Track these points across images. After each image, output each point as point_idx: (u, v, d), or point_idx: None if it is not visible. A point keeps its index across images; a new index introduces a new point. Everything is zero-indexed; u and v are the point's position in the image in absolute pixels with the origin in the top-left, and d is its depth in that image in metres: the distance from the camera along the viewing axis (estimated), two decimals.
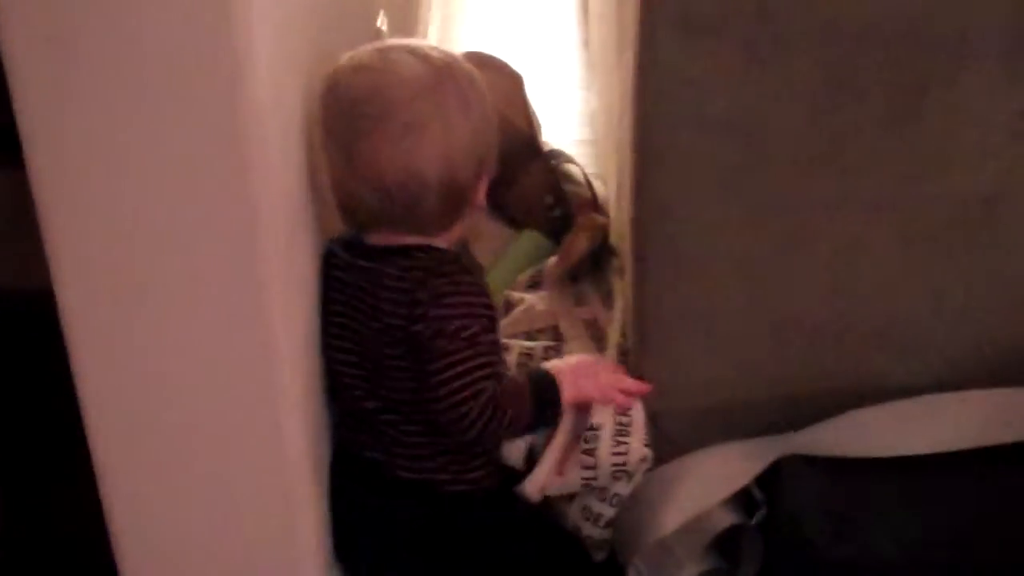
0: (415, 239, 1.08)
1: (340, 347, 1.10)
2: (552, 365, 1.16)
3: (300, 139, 1.04)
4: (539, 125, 1.73)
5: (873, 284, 1.13)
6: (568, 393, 1.13)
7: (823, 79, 1.04)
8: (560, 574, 1.19)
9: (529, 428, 1.13)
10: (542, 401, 1.12)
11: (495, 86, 1.73)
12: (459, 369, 1.04)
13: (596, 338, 1.31)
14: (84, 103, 0.86)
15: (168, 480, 1.03)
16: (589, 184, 1.61)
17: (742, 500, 1.14)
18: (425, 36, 2.15)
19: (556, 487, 1.16)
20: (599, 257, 1.45)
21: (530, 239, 1.61)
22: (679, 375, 1.18)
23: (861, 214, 1.10)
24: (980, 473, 1.11)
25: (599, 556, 1.19)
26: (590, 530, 1.19)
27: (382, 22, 1.71)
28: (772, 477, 1.12)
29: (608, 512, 1.17)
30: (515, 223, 1.65)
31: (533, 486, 1.14)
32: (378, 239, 1.09)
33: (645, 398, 1.18)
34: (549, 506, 1.19)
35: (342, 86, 1.04)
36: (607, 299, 1.37)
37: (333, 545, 1.14)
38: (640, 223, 1.14)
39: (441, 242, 1.09)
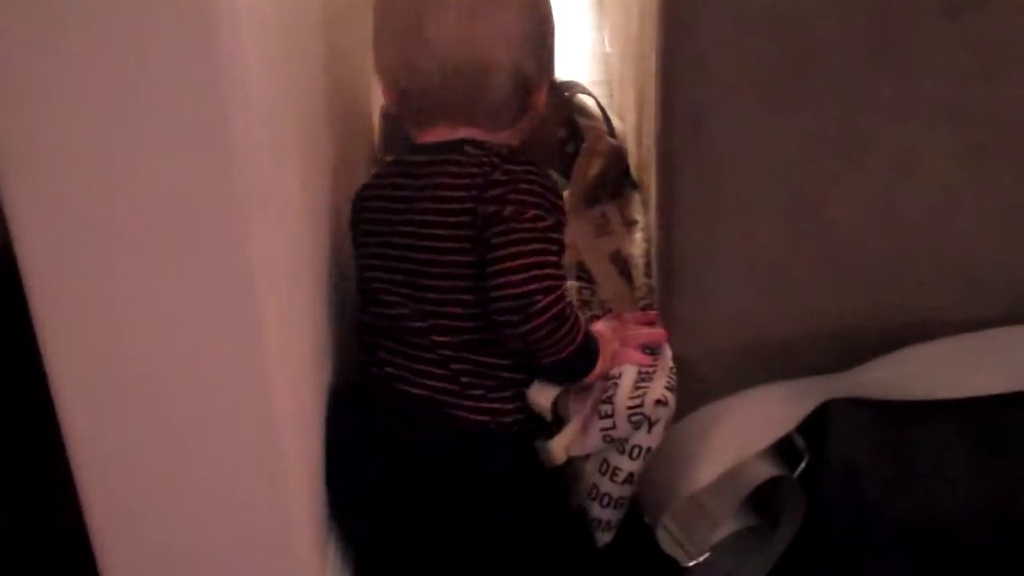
0: (479, 132, 1.04)
1: (380, 255, 1.04)
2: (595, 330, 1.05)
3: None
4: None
5: (931, 205, 1.01)
6: (602, 364, 1.02)
7: None
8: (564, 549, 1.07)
9: (567, 371, 1.02)
10: (590, 351, 1.01)
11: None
12: (535, 260, 0.96)
13: (623, 272, 1.19)
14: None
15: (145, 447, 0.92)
16: (605, 115, 1.49)
17: (783, 449, 1.01)
18: None
19: (578, 448, 1.03)
20: (619, 185, 1.33)
21: None
22: (712, 313, 1.06)
23: (918, 122, 0.97)
24: None
25: (604, 538, 1.06)
26: (607, 487, 1.06)
27: None
28: (817, 423, 0.99)
29: (626, 465, 1.04)
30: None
31: (559, 445, 1.02)
32: (437, 135, 1.06)
33: (675, 338, 1.05)
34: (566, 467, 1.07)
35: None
36: (631, 228, 1.25)
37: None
38: (669, 139, 1.01)
39: (504, 138, 1.05)
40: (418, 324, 1.00)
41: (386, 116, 1.51)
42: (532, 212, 0.97)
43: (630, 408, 1.02)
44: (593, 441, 1.04)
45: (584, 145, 1.36)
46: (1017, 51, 0.95)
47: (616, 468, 1.05)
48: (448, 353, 0.99)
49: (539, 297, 0.94)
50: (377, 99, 1.56)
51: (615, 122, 1.53)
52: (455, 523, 1.00)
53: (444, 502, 1.00)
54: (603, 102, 1.63)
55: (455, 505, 1.00)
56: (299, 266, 1.00)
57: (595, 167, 1.31)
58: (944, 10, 0.92)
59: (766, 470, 1.00)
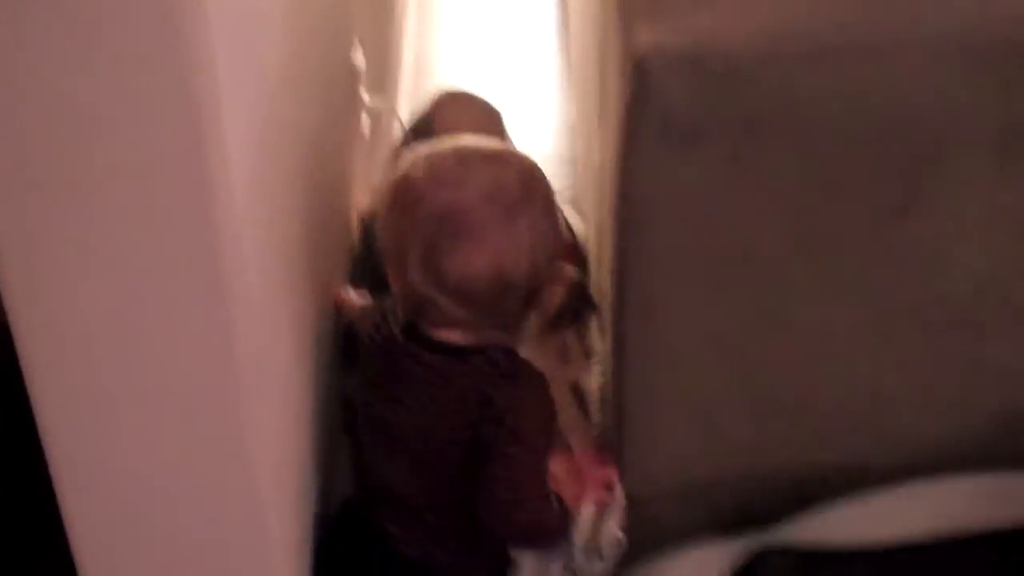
0: (485, 339, 1.08)
1: (381, 427, 1.12)
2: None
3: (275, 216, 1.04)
4: None
5: (852, 371, 1.14)
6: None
7: (806, 184, 1.03)
8: None
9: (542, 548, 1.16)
10: (559, 535, 1.14)
11: (473, 121, 1.73)
12: (523, 478, 1.06)
13: (580, 405, 1.32)
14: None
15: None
16: (569, 229, 1.61)
17: None
18: (400, 62, 2.13)
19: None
20: (579, 310, 1.45)
21: None
22: (658, 455, 1.19)
23: (840, 307, 1.10)
24: (964, 562, 1.13)
25: None
26: None
27: (357, 55, 1.70)
28: (749, 569, 1.13)
29: None
30: None
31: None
32: (447, 336, 1.08)
33: (626, 479, 1.18)
34: None
35: (425, 201, 1.03)
36: (589, 359, 1.37)
37: None
38: (621, 313, 1.14)
39: (509, 342, 1.10)
40: (418, 502, 1.11)
41: (365, 220, 1.61)
42: (527, 434, 1.06)
43: (588, 547, 1.16)
44: (554, 570, 1.18)
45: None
46: (935, 253, 1.07)
47: None
48: (443, 530, 1.12)
49: (521, 514, 1.07)
50: (354, 201, 1.67)
51: (577, 229, 1.65)
52: None
53: None
54: (568, 181, 1.73)
55: None
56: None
57: (558, 295, 1.43)
58: (869, 222, 1.05)
59: None
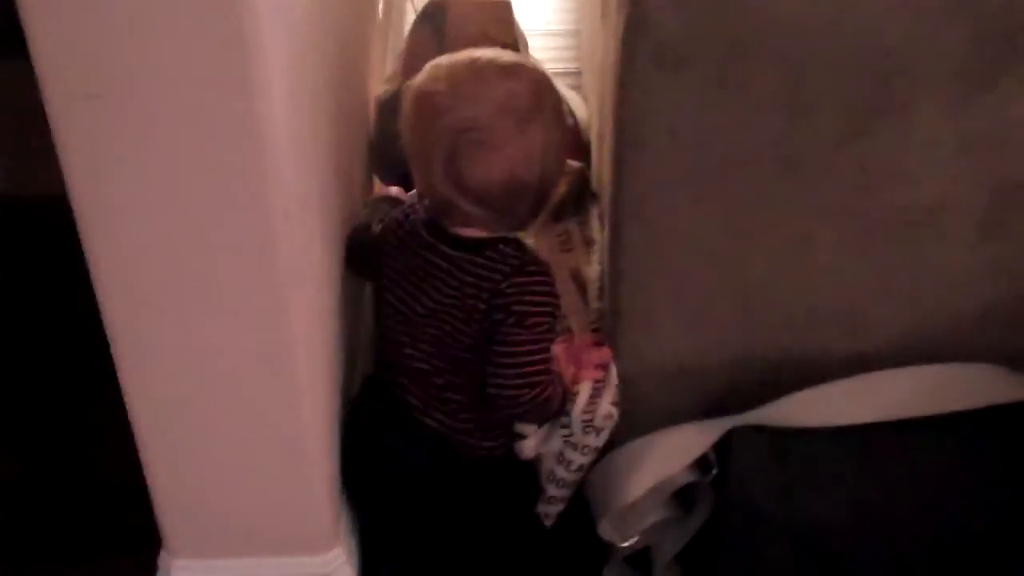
0: (499, 233, 1.20)
1: (404, 312, 1.24)
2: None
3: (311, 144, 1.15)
4: (527, 51, 1.80)
5: (824, 272, 1.25)
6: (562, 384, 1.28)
7: (783, 103, 1.13)
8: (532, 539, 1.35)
9: (541, 422, 1.30)
10: (558, 410, 1.28)
11: (484, 8, 1.81)
12: (528, 359, 1.19)
13: (581, 292, 1.44)
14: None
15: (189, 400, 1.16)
16: (572, 115, 1.70)
17: (699, 461, 1.29)
18: None
19: (544, 447, 1.31)
20: (581, 199, 1.56)
21: None
22: (650, 343, 1.32)
23: (814, 215, 1.21)
24: (914, 442, 1.26)
25: (555, 509, 1.34)
26: (562, 473, 1.33)
27: None
28: (725, 444, 1.27)
29: (577, 459, 1.31)
30: None
31: (529, 445, 1.30)
32: (465, 231, 1.20)
33: (620, 361, 1.31)
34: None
35: (445, 115, 1.13)
36: (589, 247, 1.49)
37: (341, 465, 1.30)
38: (617, 216, 1.25)
39: (522, 235, 1.22)
40: (436, 380, 1.25)
41: (380, 105, 1.70)
42: (531, 320, 1.18)
43: (584, 420, 1.30)
44: (555, 443, 1.32)
45: None
46: (896, 170, 1.18)
47: (570, 461, 1.33)
48: (458, 404, 1.25)
49: (525, 391, 1.20)
50: (372, 89, 1.76)
51: (580, 116, 1.74)
52: (456, 513, 1.29)
53: (448, 497, 1.28)
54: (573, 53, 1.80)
55: (457, 500, 1.28)
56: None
57: (561, 187, 1.53)
58: (837, 138, 1.15)
59: (684, 476, 1.28)
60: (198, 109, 0.97)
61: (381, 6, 1.90)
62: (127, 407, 1.17)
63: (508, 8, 1.80)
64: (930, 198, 1.19)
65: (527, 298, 1.19)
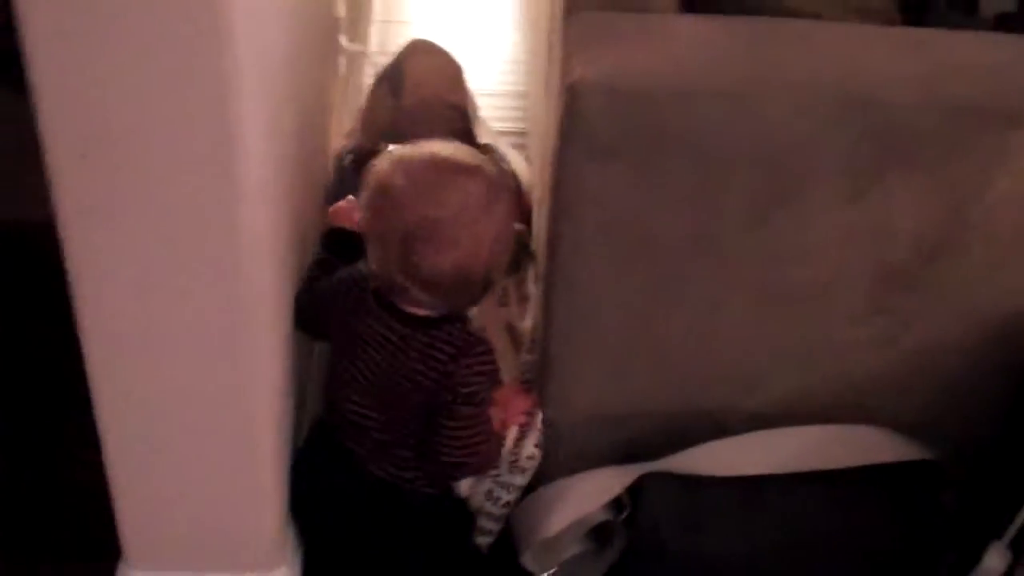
0: (446, 312, 1.28)
1: (351, 372, 1.32)
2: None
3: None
4: (476, 112, 1.95)
5: (729, 337, 1.41)
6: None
7: (694, 193, 1.29)
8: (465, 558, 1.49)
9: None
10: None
11: (439, 71, 1.96)
12: (472, 432, 1.30)
13: (514, 343, 1.59)
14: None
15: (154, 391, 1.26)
16: (515, 177, 1.84)
17: (614, 501, 1.44)
18: (371, 9, 2.32)
19: (476, 485, 1.45)
20: (519, 260, 1.71)
21: None
22: (574, 392, 1.47)
23: (722, 288, 1.37)
24: (802, 492, 1.42)
25: (486, 541, 1.47)
26: (490, 508, 1.47)
27: (338, 6, 1.90)
28: (638, 487, 1.42)
29: (504, 496, 1.46)
30: None
31: (464, 487, 1.44)
32: (413, 310, 1.28)
33: (546, 407, 1.46)
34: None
35: (400, 204, 1.21)
36: (524, 303, 1.64)
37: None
38: (549, 278, 1.40)
39: (468, 313, 1.30)
40: (381, 435, 1.35)
41: (338, 159, 1.83)
42: (477, 397, 1.28)
43: (511, 461, 1.44)
44: (485, 482, 1.46)
45: None
46: (792, 253, 1.34)
47: (497, 497, 1.47)
48: (403, 459, 1.35)
49: (472, 459, 1.32)
50: (332, 141, 1.89)
51: (523, 177, 1.88)
52: (399, 544, 1.41)
53: (391, 530, 1.40)
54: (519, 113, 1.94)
55: (399, 533, 1.40)
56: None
57: None
58: (743, 224, 1.31)
59: (600, 515, 1.43)
60: (180, 166, 1.09)
61: (343, 64, 2.05)
62: (99, 427, 1.29)
63: (460, 71, 1.95)
64: (822, 277, 1.35)
65: (474, 378, 1.28)
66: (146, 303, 1.20)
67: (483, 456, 1.34)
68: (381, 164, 1.25)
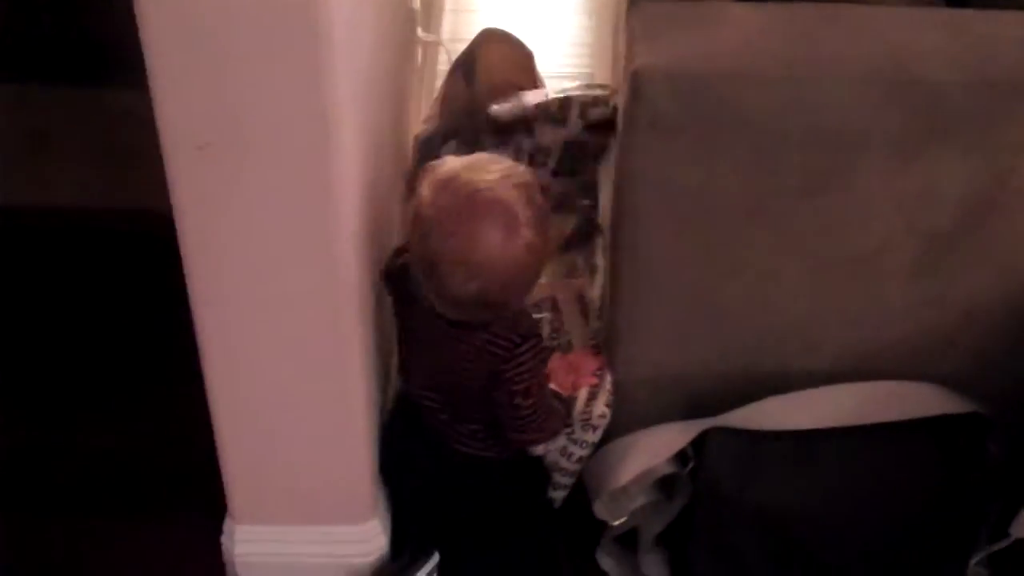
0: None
1: (412, 358, 1.46)
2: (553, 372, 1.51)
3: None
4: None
5: (785, 301, 1.51)
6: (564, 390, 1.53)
7: (752, 169, 1.39)
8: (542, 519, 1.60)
9: None
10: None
11: (511, 59, 2.06)
12: (534, 415, 1.40)
13: (583, 312, 1.70)
14: None
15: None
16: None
17: (679, 454, 1.55)
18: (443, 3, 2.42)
19: (551, 444, 1.56)
20: (587, 235, 1.81)
21: None
22: (640, 355, 1.58)
23: (777, 255, 1.47)
24: (858, 445, 1.52)
25: (560, 494, 1.59)
26: (564, 464, 1.58)
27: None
28: (701, 441, 1.53)
29: (577, 452, 1.57)
30: None
31: (539, 447, 1.54)
32: (457, 316, 1.36)
33: (614, 370, 1.57)
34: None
35: (429, 233, 1.29)
36: (593, 274, 1.75)
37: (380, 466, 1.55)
38: (615, 250, 1.51)
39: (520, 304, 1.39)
40: (447, 415, 1.47)
41: (419, 144, 1.95)
42: (531, 388, 1.37)
43: (582, 420, 1.56)
44: (560, 439, 1.57)
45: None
46: (846, 220, 1.44)
47: (571, 453, 1.58)
48: (472, 431, 1.47)
49: (538, 437, 1.45)
50: (411, 127, 2.01)
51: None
52: (478, 505, 1.53)
53: (469, 488, 1.52)
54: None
55: (477, 490, 1.52)
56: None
57: (569, 224, 1.79)
58: (799, 192, 1.41)
59: (666, 467, 1.54)
60: (283, 159, 1.22)
61: (420, 53, 2.16)
62: (209, 394, 1.43)
63: (530, 58, 2.05)
64: (873, 243, 1.45)
65: (523, 375, 1.37)
66: (254, 284, 1.33)
67: (550, 431, 1.46)
68: (421, 189, 1.32)
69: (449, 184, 1.30)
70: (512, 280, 1.31)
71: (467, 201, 1.29)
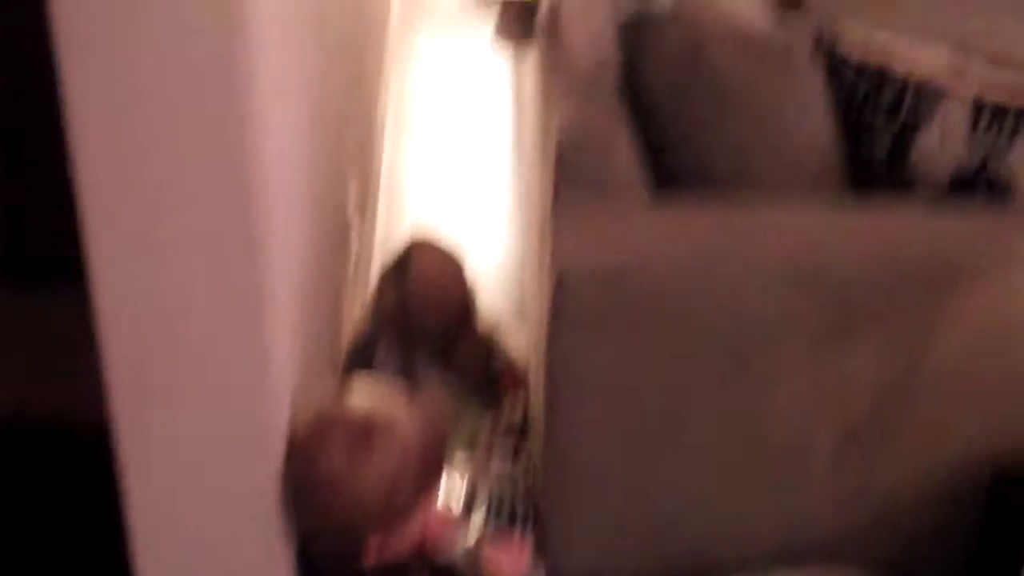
0: None
1: None
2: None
3: None
4: (475, 300, 2.11)
5: (714, 496, 1.55)
6: None
7: (672, 360, 1.45)
8: None
9: None
10: None
11: (440, 265, 2.12)
12: None
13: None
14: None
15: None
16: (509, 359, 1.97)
17: None
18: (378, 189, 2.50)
19: None
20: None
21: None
22: (574, 548, 1.59)
23: (707, 449, 1.51)
24: None
25: None
26: None
27: (351, 210, 2.06)
28: None
29: None
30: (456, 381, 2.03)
31: None
32: None
33: (545, 560, 1.58)
34: None
35: (312, 475, 1.32)
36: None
37: None
38: (545, 448, 1.55)
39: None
40: None
41: (350, 348, 1.98)
42: None
43: None
44: None
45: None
46: (763, 408, 1.48)
47: None
48: None
49: None
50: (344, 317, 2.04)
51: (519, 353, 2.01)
52: None
53: None
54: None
55: None
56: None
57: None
58: (716, 384, 1.46)
59: None
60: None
61: (355, 249, 2.23)
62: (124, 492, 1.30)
63: (460, 265, 2.10)
64: (795, 434, 1.50)
65: None
66: (172, 370, 1.22)
67: None
68: (310, 419, 1.37)
69: (317, 419, 1.36)
70: (365, 508, 1.33)
71: (352, 444, 1.33)
